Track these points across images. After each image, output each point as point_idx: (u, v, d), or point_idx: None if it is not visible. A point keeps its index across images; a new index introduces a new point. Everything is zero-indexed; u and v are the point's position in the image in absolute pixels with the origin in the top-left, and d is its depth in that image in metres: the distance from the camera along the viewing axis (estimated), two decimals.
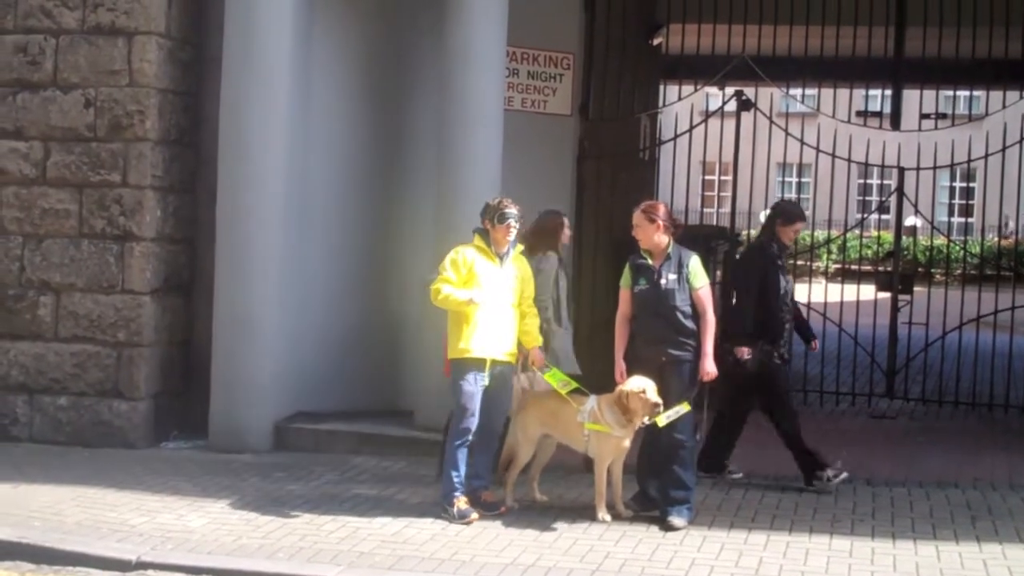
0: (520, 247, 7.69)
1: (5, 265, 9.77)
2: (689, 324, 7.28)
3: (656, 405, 7.17)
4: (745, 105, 11.89)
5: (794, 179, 29.55)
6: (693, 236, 14.16)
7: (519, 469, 7.75)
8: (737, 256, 9.03)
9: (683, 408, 7.20)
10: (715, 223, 16.38)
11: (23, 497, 7.94)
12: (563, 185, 11.22)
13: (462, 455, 7.43)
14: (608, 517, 7.40)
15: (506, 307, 7.50)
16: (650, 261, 7.34)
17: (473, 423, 7.40)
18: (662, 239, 7.30)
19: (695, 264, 7.32)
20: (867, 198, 30.44)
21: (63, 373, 9.67)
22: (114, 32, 9.55)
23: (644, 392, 7.21)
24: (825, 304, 12.30)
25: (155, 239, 9.63)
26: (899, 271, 12.47)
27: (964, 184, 28.19)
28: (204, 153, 9.93)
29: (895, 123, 12.87)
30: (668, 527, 7.17)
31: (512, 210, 7.44)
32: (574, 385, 7.57)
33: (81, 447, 9.49)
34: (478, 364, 7.40)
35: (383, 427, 9.55)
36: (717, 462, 8.50)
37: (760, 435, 8.72)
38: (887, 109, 13.50)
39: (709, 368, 7.21)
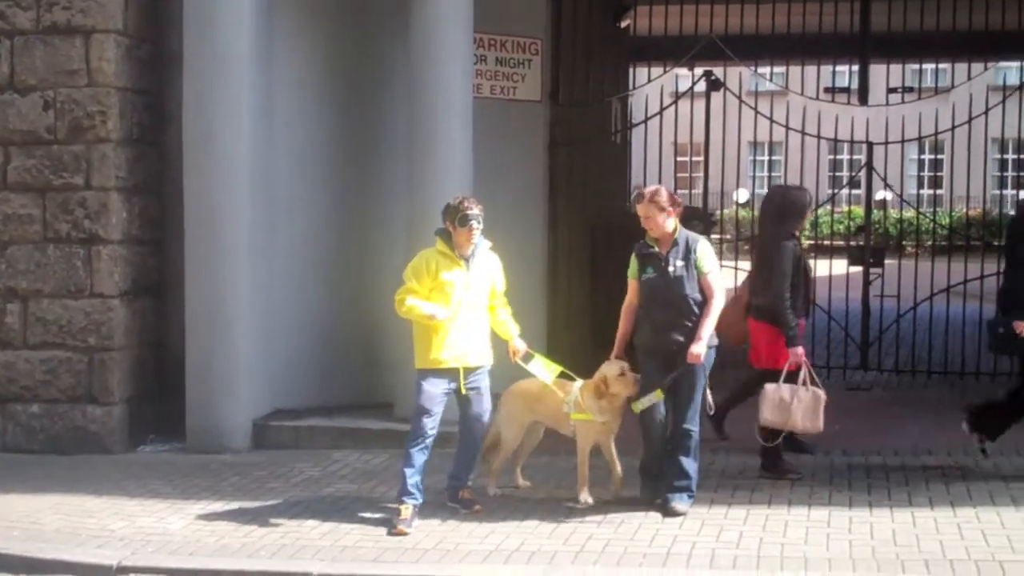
0: (489, 244, 7.41)
1: None
2: (699, 311, 7.08)
3: (638, 381, 7.15)
4: (714, 85, 11.93)
5: (765, 157, 29.64)
6: None
7: (506, 456, 7.72)
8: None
9: (656, 396, 7.08)
10: (688, 204, 16.40)
11: (0, 507, 7.87)
12: (536, 172, 11.20)
13: (419, 457, 7.20)
14: (591, 500, 7.39)
15: (476, 310, 7.28)
16: (656, 248, 7.15)
17: (431, 426, 7.18)
18: (670, 225, 7.10)
19: (703, 248, 7.12)
20: (837, 174, 30.59)
21: (34, 380, 9.57)
22: (70, 31, 9.40)
23: (623, 373, 7.20)
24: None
25: (122, 241, 9.54)
26: (870, 245, 12.52)
27: (932, 156, 28.37)
28: (168, 152, 9.84)
29: (863, 98, 12.92)
30: (671, 512, 7.12)
31: (474, 211, 7.15)
32: (559, 371, 7.48)
33: (57, 454, 9.39)
34: (450, 373, 7.22)
35: (362, 421, 9.51)
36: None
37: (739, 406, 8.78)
38: (855, 85, 13.56)
39: (695, 351, 6.94)
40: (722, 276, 7.21)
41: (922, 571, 6.02)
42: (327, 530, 7.11)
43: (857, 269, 12.50)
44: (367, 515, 7.30)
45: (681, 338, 7.01)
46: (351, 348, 10.03)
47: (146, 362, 9.85)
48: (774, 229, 8.12)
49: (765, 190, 11.58)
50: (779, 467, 7.98)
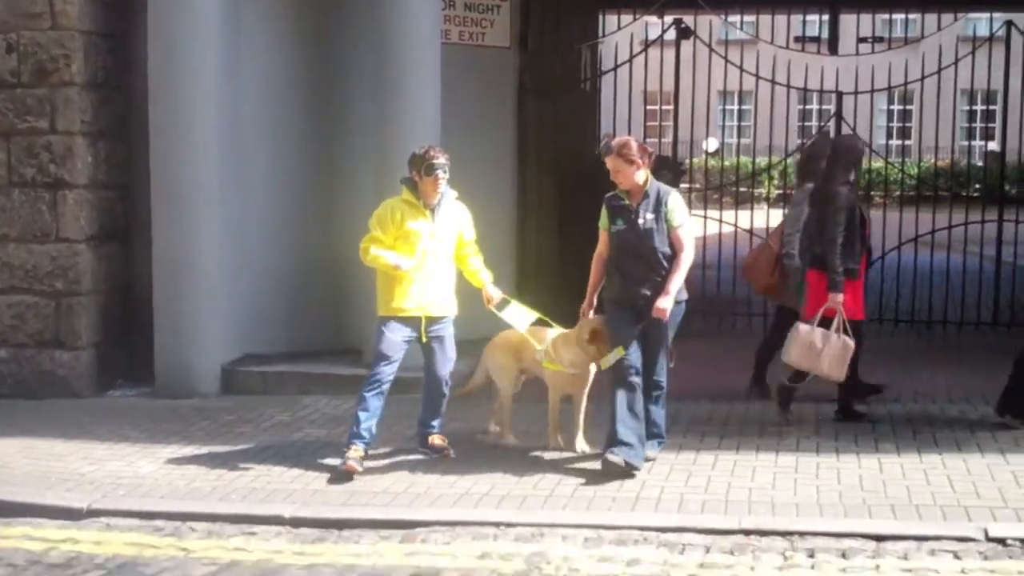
0: (455, 194, 7.32)
1: None
2: (669, 265, 6.91)
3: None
4: (684, 33, 11.88)
5: (735, 107, 29.60)
6: None
7: (507, 407, 7.68)
8: None
9: (619, 353, 6.95)
10: (659, 153, 16.38)
11: None
12: (504, 120, 11.16)
13: (374, 402, 7.16)
14: (561, 443, 7.44)
15: (441, 260, 7.24)
16: (627, 200, 6.97)
17: (388, 372, 7.15)
18: (640, 176, 6.91)
19: (674, 201, 6.92)
20: (806, 124, 30.65)
21: (1, 325, 9.52)
22: None
23: (600, 329, 7.12)
24: (767, 230, 12.32)
25: (88, 186, 9.45)
26: None
27: (901, 107, 28.43)
28: (134, 97, 9.72)
29: (832, 48, 12.91)
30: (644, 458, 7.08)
31: (440, 159, 7.08)
32: (536, 317, 7.43)
33: (25, 399, 9.38)
34: (411, 322, 7.19)
35: (331, 367, 9.50)
36: None
37: (696, 355, 8.80)
38: (825, 34, 13.54)
39: (661, 305, 6.78)
40: (693, 229, 7.08)
41: (888, 516, 6.09)
42: (297, 474, 7.13)
43: None
44: (337, 460, 7.30)
45: (649, 292, 6.88)
46: (321, 293, 9.99)
47: (114, 307, 9.79)
48: (828, 176, 7.99)
49: (735, 140, 11.60)
50: (788, 411, 8.08)
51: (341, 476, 6.99)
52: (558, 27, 12.14)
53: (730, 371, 9.40)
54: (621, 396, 6.90)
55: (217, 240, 9.34)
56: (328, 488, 6.87)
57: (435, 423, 7.53)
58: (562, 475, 6.96)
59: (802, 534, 5.88)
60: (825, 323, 7.74)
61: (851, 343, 7.71)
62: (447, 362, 7.40)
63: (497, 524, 6.20)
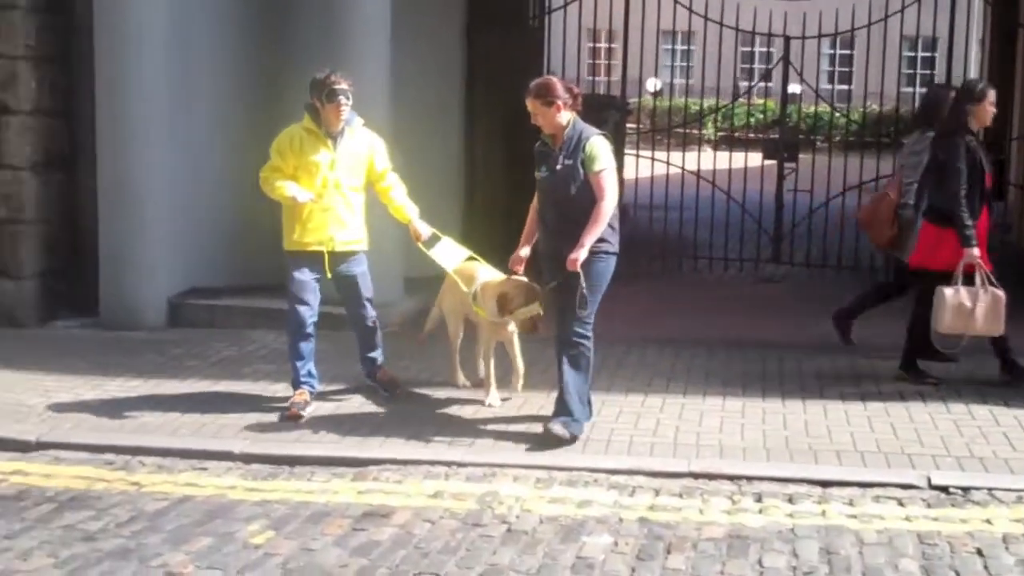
0: (361, 121, 7.05)
1: None
2: (589, 215, 6.39)
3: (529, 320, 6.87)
4: None
5: (680, 47, 29.55)
6: (585, 106, 14.23)
7: (455, 349, 7.60)
8: None
9: (534, 309, 6.77)
10: (604, 92, 16.36)
11: None
12: (454, 57, 11.05)
13: (305, 347, 7.05)
14: (498, 402, 7.20)
15: (345, 192, 6.97)
16: (551, 145, 6.54)
17: (308, 314, 7.00)
18: (563, 118, 6.43)
19: (594, 146, 6.39)
20: (751, 66, 30.72)
21: None
22: None
23: (511, 295, 6.84)
24: (714, 172, 12.45)
25: (31, 112, 9.27)
26: (785, 140, 12.67)
27: (845, 52, 28.59)
28: (77, 21, 9.47)
29: None
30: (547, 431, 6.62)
31: (342, 85, 6.79)
32: (467, 256, 7.23)
33: None
34: (314, 257, 7.01)
35: (279, 302, 9.25)
36: None
37: (639, 303, 8.89)
38: None
39: (572, 256, 6.29)
40: (615, 176, 6.49)
41: (834, 461, 6.24)
42: (247, 410, 7.12)
43: (770, 162, 12.65)
44: (288, 395, 7.28)
45: (566, 243, 6.40)
46: (269, 227, 9.75)
47: (57, 237, 9.65)
48: (948, 125, 7.60)
49: (681, 80, 11.63)
50: (919, 372, 7.77)
51: (288, 422, 6.92)
52: None
53: (676, 315, 9.50)
54: (565, 360, 6.54)
55: (164, 172, 9.20)
56: (279, 425, 6.87)
57: (374, 355, 7.37)
58: (513, 416, 7.01)
59: (749, 478, 5.99)
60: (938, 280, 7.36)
61: (1001, 293, 7.33)
62: (362, 302, 7.21)
63: (449, 463, 6.24)
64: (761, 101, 25.62)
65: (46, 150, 9.43)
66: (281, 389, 7.50)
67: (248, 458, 6.40)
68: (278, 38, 9.84)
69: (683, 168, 12.40)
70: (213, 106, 9.66)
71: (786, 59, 12.29)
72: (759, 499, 5.77)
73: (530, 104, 6.47)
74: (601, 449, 6.46)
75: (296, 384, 7.12)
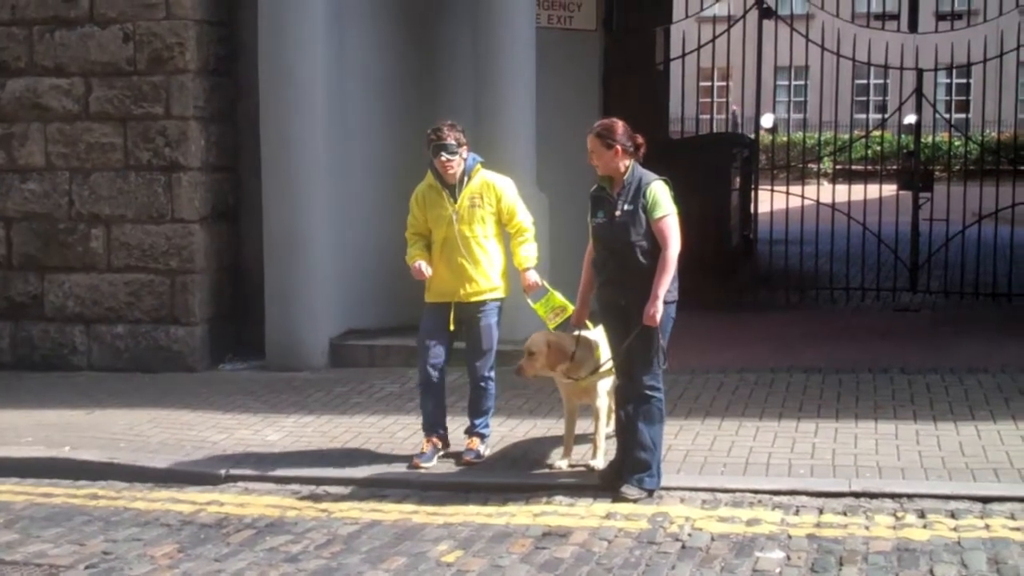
0: (479, 168, 6.94)
1: (54, 200, 10.05)
2: (650, 263, 6.21)
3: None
4: (767, 13, 12.06)
5: (791, 82, 29.67)
6: (716, 143, 14.52)
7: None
8: None
9: (602, 374, 6.60)
10: (726, 130, 16.63)
11: (101, 421, 8.32)
12: (591, 101, 11.42)
13: (426, 400, 7.08)
14: (564, 467, 6.91)
15: (476, 242, 6.89)
16: (608, 191, 6.37)
17: (428, 364, 6.95)
18: (621, 164, 6.32)
19: (655, 191, 6.22)
20: (861, 98, 30.75)
21: (118, 302, 10.00)
22: None
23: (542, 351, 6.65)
24: (849, 204, 12.61)
25: (200, 168, 9.89)
26: (920, 169, 12.78)
27: (963, 81, 28.40)
28: (242, 82, 10.16)
29: (912, 26, 13.07)
30: (620, 496, 6.42)
31: (445, 140, 6.74)
32: (568, 313, 6.81)
33: (141, 372, 9.86)
34: (440, 308, 6.99)
35: None
36: None
37: (782, 334, 9.05)
38: (894, 8, 13.70)
39: (652, 311, 6.12)
40: (676, 221, 6.28)
41: (992, 478, 6.38)
42: (418, 439, 7.42)
43: (905, 193, 12.77)
44: (452, 425, 7.59)
45: (630, 293, 6.24)
46: None
47: (223, 284, 10.25)
48: None
49: (796, 115, 11.85)
50: None
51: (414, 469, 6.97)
52: (640, 8, 12.40)
53: (819, 343, 9.64)
54: (639, 415, 6.37)
55: (325, 219, 9.76)
56: (448, 454, 7.22)
57: (477, 421, 7.16)
58: (671, 441, 7.27)
59: (911, 496, 6.18)
60: None
61: None
62: (478, 354, 7.06)
63: None
64: (877, 133, 25.58)
65: (213, 203, 10.06)
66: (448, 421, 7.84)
67: (426, 485, 6.79)
68: (428, 91, 10.38)
69: (817, 200, 12.50)
70: (369, 159, 10.21)
71: (919, 91, 12.41)
72: (922, 515, 5.95)
73: (590, 142, 6.37)
74: (761, 472, 6.70)
75: (425, 431, 7.19)
